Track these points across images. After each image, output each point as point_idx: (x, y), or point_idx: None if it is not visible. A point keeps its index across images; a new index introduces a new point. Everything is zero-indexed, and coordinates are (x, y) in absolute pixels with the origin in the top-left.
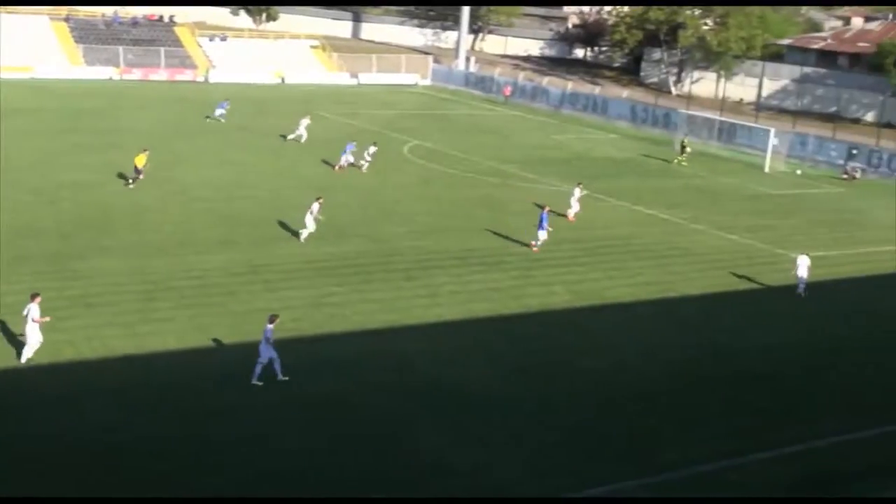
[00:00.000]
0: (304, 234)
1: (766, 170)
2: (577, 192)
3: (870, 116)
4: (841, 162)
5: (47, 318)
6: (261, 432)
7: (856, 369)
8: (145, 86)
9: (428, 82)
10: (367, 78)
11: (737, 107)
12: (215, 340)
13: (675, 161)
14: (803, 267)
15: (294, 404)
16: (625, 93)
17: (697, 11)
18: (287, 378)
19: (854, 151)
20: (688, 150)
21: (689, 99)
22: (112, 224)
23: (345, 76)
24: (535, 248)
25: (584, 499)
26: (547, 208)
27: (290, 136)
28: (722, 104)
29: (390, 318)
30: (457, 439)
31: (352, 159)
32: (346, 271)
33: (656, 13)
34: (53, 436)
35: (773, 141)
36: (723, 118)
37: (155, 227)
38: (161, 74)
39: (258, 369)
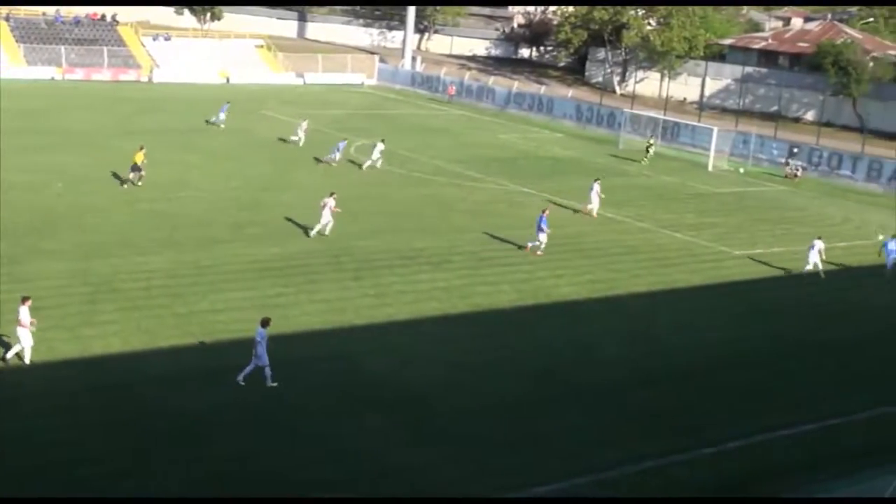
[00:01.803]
0: (317, 228)
1: (710, 168)
2: (597, 186)
3: (810, 115)
4: (782, 160)
5: (34, 321)
6: (205, 433)
7: (795, 366)
8: (88, 86)
9: (374, 82)
10: (312, 78)
11: (680, 106)
12: (160, 343)
13: (642, 161)
14: (813, 252)
15: (240, 405)
16: (570, 92)
17: (641, 11)
18: (244, 384)
19: (795, 150)
20: (651, 151)
21: (634, 98)
22: (54, 226)
23: (290, 76)
24: (528, 250)
25: (531, 498)
26: (546, 211)
27: (293, 139)
28: (665, 103)
29: (338, 318)
30: (404, 439)
31: (337, 157)
32: (292, 272)
33: (600, 13)
34: None
35: (714, 140)
36: (666, 117)
37: (97, 228)
38: (104, 74)
39: (267, 371)
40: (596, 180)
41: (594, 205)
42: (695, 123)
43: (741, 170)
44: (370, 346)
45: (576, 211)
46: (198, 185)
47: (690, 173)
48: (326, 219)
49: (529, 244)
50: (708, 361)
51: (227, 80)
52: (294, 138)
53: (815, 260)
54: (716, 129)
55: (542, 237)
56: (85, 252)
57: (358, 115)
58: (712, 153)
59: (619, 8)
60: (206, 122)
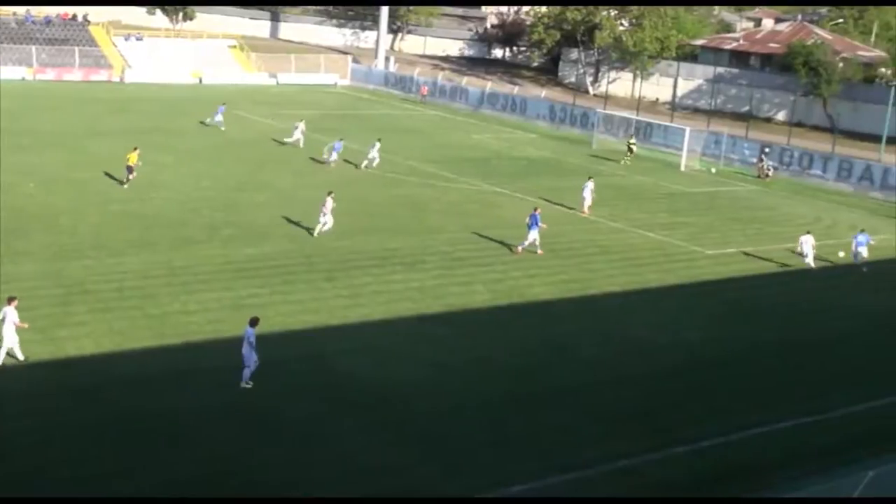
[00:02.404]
0: (319, 228)
1: (682, 168)
2: (591, 184)
3: (781, 115)
4: (754, 160)
5: (25, 325)
6: (178, 435)
7: (770, 365)
8: (59, 86)
9: (347, 82)
10: (286, 78)
11: (652, 106)
12: (133, 344)
13: (622, 161)
14: (808, 245)
15: (214, 406)
16: (543, 93)
17: (613, 12)
18: (249, 385)
19: (766, 150)
20: (633, 150)
21: (607, 99)
22: (26, 227)
23: (263, 76)
24: (520, 252)
25: (502, 499)
26: (538, 209)
27: (289, 140)
28: (638, 104)
29: (312, 318)
30: (377, 439)
31: (334, 157)
32: (266, 272)
33: (573, 14)
34: None
35: (687, 140)
36: (639, 118)
37: (70, 229)
38: (76, 74)
39: (246, 374)
40: (590, 178)
41: (587, 202)
42: (667, 124)
43: (713, 169)
44: (344, 347)
45: (570, 208)
46: (171, 186)
47: (663, 173)
48: (327, 218)
49: (520, 246)
50: (682, 361)
51: (200, 81)
52: (291, 140)
53: (809, 251)
54: (688, 130)
55: (534, 235)
56: (57, 253)
57: (332, 115)
58: (684, 153)
59: (591, 8)
60: (202, 123)
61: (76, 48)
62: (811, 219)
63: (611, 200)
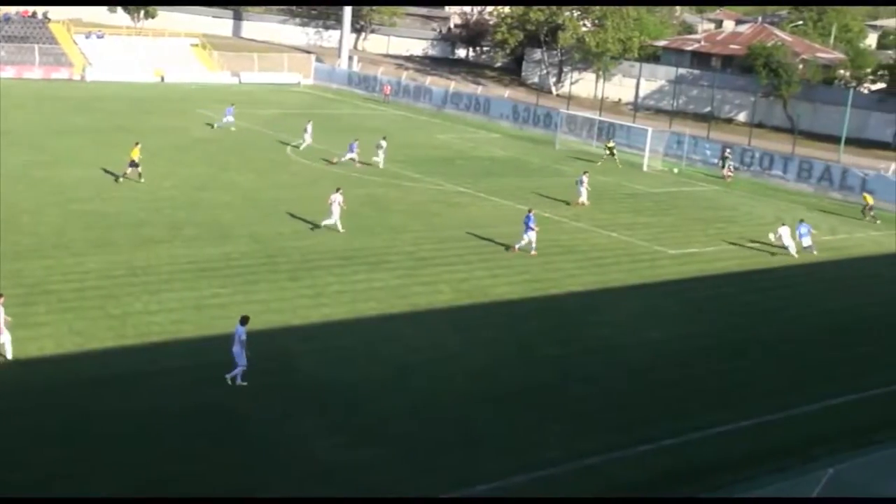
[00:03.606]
0: (326, 222)
1: (645, 168)
2: (585, 179)
3: (742, 116)
4: (716, 160)
5: (8, 319)
6: (140, 436)
7: (731, 364)
8: (19, 84)
9: (311, 81)
10: (248, 77)
11: (615, 107)
12: (94, 344)
13: (599, 164)
14: (786, 236)
15: (176, 407)
16: (506, 93)
17: (576, 13)
18: (245, 384)
19: (728, 151)
20: (615, 154)
21: (570, 99)
22: None
23: (226, 75)
24: (515, 251)
25: (469, 498)
26: (533, 210)
27: (302, 146)
28: (601, 104)
29: (275, 318)
30: (342, 439)
31: (354, 155)
32: (229, 272)
33: (536, 14)
34: None
35: (649, 140)
36: (602, 118)
37: (30, 229)
38: (36, 72)
39: (238, 373)
40: (585, 173)
41: (583, 196)
42: (630, 124)
43: (675, 170)
44: (308, 347)
45: (568, 204)
46: (133, 185)
47: (626, 173)
48: (336, 214)
49: (517, 245)
50: (645, 360)
51: (162, 79)
52: (301, 142)
53: (789, 242)
54: (650, 130)
55: (531, 235)
56: (17, 253)
57: (295, 114)
58: (647, 153)
59: (554, 9)
60: (210, 126)
61: (36, 46)
62: (772, 219)
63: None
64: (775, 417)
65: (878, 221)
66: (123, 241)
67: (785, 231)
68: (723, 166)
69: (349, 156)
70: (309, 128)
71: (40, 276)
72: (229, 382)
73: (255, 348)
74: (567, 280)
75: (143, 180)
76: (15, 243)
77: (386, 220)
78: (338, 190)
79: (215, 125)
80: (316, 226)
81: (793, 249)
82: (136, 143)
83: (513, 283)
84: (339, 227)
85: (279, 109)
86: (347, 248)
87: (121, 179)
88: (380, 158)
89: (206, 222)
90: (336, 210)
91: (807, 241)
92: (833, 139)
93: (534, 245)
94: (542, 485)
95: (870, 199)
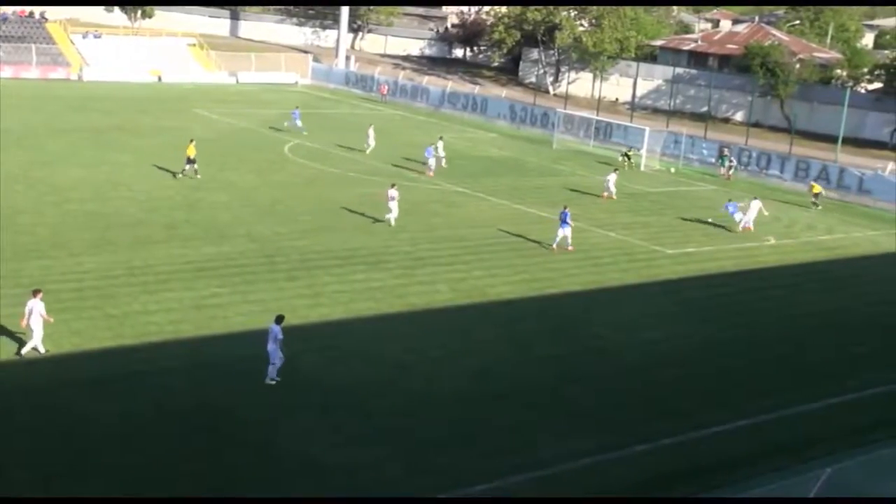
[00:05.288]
0: (391, 218)
1: (642, 168)
2: (613, 176)
3: (739, 116)
4: (713, 160)
5: (51, 319)
6: (140, 435)
7: (728, 364)
8: (17, 84)
9: (308, 81)
10: (246, 77)
11: (612, 106)
12: (92, 345)
13: (625, 167)
14: (754, 210)
15: (173, 406)
16: (504, 92)
17: (573, 13)
18: (278, 379)
19: (726, 150)
20: (632, 160)
21: (567, 99)
22: None
23: (223, 75)
24: (555, 250)
25: (465, 498)
26: (567, 207)
27: (368, 149)
28: (598, 104)
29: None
30: (339, 439)
31: (433, 162)
32: (227, 272)
33: (533, 14)
34: None
35: (646, 140)
36: (599, 118)
37: (28, 229)
38: (33, 72)
39: (272, 370)
40: (615, 170)
41: (612, 191)
42: (627, 124)
43: (672, 169)
44: (306, 346)
45: (598, 196)
46: (130, 185)
47: (623, 173)
48: (394, 209)
49: (554, 244)
50: (642, 359)
51: (159, 79)
52: (367, 146)
53: (750, 217)
54: (648, 130)
55: (567, 231)
56: (15, 253)
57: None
58: (644, 153)
59: (551, 9)
60: (277, 129)
61: (33, 46)
62: (769, 218)
63: (571, 200)
64: (773, 417)
65: (820, 207)
66: (121, 241)
67: (755, 205)
68: (722, 164)
69: (431, 161)
70: (370, 132)
71: (38, 276)
72: (269, 382)
73: (251, 348)
74: (565, 279)
75: (199, 176)
76: (13, 243)
77: (384, 220)
78: (393, 186)
79: (285, 124)
80: (378, 220)
81: (747, 221)
82: (191, 141)
83: (511, 283)
84: (392, 221)
85: (277, 109)
86: (346, 247)
87: (179, 176)
88: (441, 157)
89: (204, 222)
90: (394, 206)
91: (737, 216)
92: (830, 139)
93: (569, 240)
94: (540, 484)
95: (818, 188)
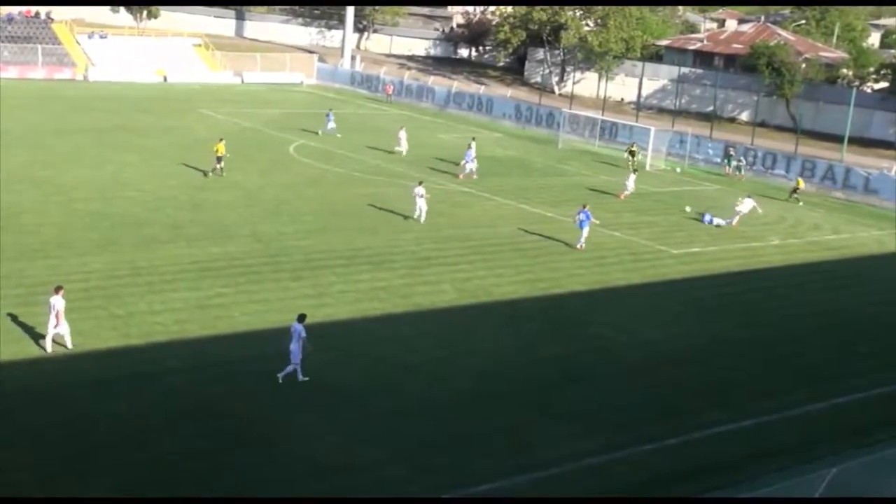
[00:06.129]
0: (421, 216)
1: (647, 168)
2: (633, 176)
3: (745, 116)
4: (718, 160)
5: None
6: (142, 435)
7: (733, 363)
8: (22, 84)
9: (313, 81)
10: (251, 77)
11: (618, 106)
12: (98, 344)
13: (632, 168)
14: (748, 205)
15: (177, 406)
16: (509, 92)
17: (579, 12)
18: (307, 379)
19: (732, 149)
20: (638, 156)
21: (572, 98)
22: None
23: (228, 75)
24: (581, 248)
25: (469, 498)
26: (587, 206)
27: (398, 149)
28: (603, 104)
29: (278, 318)
30: (341, 439)
31: (474, 166)
32: (232, 272)
33: (539, 14)
34: None
35: (652, 140)
36: (604, 117)
37: (33, 229)
38: (39, 73)
39: (290, 369)
40: (634, 171)
41: (630, 189)
42: (632, 123)
43: (678, 169)
44: (310, 347)
45: (616, 196)
46: (135, 185)
47: (628, 171)
48: (422, 206)
49: (578, 244)
50: (647, 359)
51: (165, 79)
52: (398, 148)
53: (743, 209)
54: (653, 130)
55: (585, 230)
56: (20, 252)
57: (298, 114)
58: (650, 153)
59: (557, 8)
60: (314, 133)
61: (39, 46)
62: (775, 217)
63: (576, 200)
64: (777, 417)
65: (801, 203)
66: (127, 241)
67: (748, 203)
68: (728, 164)
69: (469, 165)
70: (402, 134)
71: (43, 276)
72: (302, 380)
73: (255, 348)
74: (569, 280)
75: (224, 175)
76: (18, 243)
77: (389, 220)
78: (420, 183)
79: (319, 132)
80: (408, 217)
81: (733, 219)
82: (221, 139)
83: (515, 283)
84: (422, 219)
85: (282, 109)
86: (351, 247)
87: (210, 174)
88: (472, 158)
89: (209, 222)
90: (421, 203)
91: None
92: (836, 138)
93: (582, 240)
94: (543, 484)
95: (801, 184)
